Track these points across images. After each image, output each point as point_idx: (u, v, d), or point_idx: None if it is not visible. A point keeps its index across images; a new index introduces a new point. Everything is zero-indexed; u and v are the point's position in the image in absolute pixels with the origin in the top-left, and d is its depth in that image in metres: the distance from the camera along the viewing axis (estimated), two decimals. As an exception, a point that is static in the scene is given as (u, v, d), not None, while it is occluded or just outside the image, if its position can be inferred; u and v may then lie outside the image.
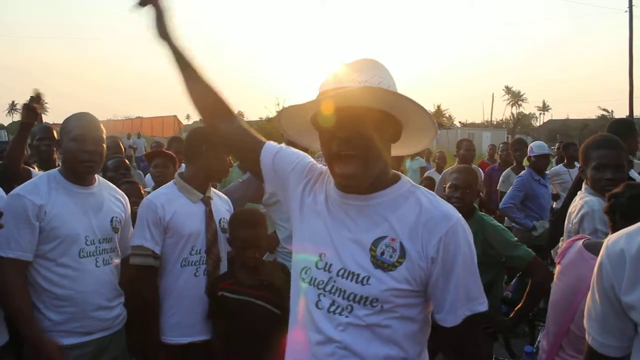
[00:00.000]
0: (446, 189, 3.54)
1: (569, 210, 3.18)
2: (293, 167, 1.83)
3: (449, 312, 1.59)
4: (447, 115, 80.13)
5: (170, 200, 2.88)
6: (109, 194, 2.91)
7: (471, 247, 1.61)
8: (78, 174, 2.72)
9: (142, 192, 3.71)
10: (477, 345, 1.72)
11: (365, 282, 1.57)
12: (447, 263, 1.55)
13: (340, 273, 1.61)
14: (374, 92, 1.51)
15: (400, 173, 1.73)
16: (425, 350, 1.72)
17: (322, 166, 1.82)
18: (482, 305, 1.61)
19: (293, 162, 1.84)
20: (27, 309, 2.56)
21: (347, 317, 1.59)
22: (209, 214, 2.93)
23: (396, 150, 1.74)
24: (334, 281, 1.62)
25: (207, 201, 2.96)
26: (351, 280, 1.59)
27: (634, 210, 2.17)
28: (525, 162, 6.67)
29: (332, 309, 1.62)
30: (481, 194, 7.08)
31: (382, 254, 1.58)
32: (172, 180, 3.04)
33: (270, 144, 1.90)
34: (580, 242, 2.42)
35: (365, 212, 1.64)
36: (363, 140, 1.53)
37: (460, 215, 1.63)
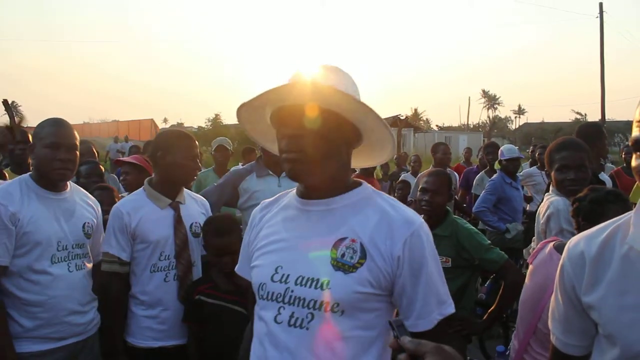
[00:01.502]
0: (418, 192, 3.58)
1: (537, 211, 3.27)
2: (249, 244, 1.81)
3: (419, 317, 1.56)
4: (424, 119, 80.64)
5: (137, 207, 2.89)
6: (80, 200, 2.90)
7: (435, 250, 1.61)
8: (51, 180, 2.71)
9: (116, 198, 3.69)
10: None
11: (326, 286, 1.53)
12: (414, 266, 1.53)
13: (298, 281, 1.57)
14: (322, 89, 1.50)
15: (361, 180, 1.71)
16: None
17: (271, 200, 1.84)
18: (450, 307, 1.60)
19: (247, 245, 1.83)
20: (5, 327, 2.55)
21: (307, 328, 1.54)
22: (177, 219, 2.93)
23: (360, 161, 1.77)
24: (292, 291, 1.57)
25: (175, 206, 2.96)
26: (309, 287, 1.55)
27: (595, 213, 2.23)
28: (496, 166, 6.75)
29: (292, 321, 1.56)
30: (456, 197, 7.21)
31: (343, 255, 1.55)
32: (142, 187, 3.03)
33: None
34: (552, 244, 2.48)
35: (326, 216, 1.62)
36: (310, 138, 1.52)
37: (422, 220, 1.62)
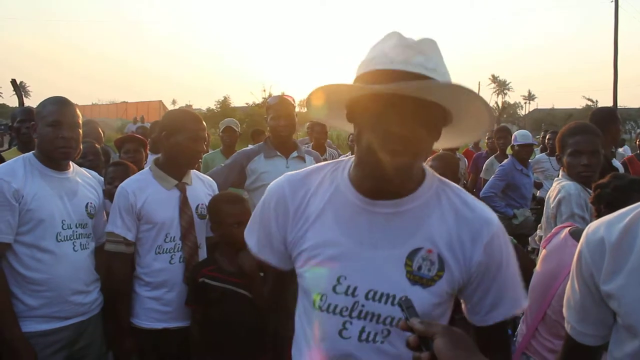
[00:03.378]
0: None
1: (547, 196, 3.22)
2: (277, 227, 1.57)
3: (487, 314, 1.48)
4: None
5: (142, 187, 2.86)
6: (82, 180, 2.89)
7: (509, 247, 1.49)
8: (54, 159, 2.69)
9: (132, 173, 3.63)
10: (504, 339, 1.62)
11: None
12: (492, 268, 1.43)
13: (370, 296, 1.42)
14: (447, 88, 1.30)
15: (423, 165, 1.52)
16: None
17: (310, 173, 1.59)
18: (522, 305, 1.51)
19: (275, 226, 1.57)
20: (10, 309, 2.54)
21: (382, 342, 1.42)
22: (183, 201, 2.90)
23: (448, 141, 1.55)
24: (362, 305, 1.42)
25: (181, 187, 2.92)
26: (385, 303, 1.41)
27: (618, 201, 2.18)
28: (509, 151, 6.67)
29: (364, 336, 1.43)
30: (465, 182, 7.14)
31: (420, 268, 1.41)
32: (148, 166, 3.00)
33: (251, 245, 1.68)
34: (567, 229, 2.44)
35: (395, 221, 1.44)
36: (418, 141, 1.32)
37: (497, 217, 1.48)
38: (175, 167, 2.91)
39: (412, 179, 1.45)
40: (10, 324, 2.52)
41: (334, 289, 1.44)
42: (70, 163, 2.84)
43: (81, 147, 2.84)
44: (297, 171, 1.61)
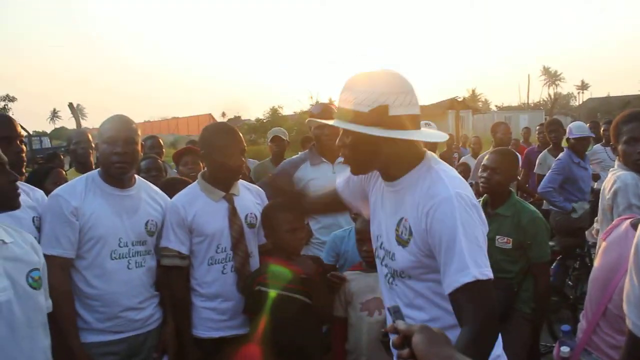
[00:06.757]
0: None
1: (602, 187, 3.11)
2: (361, 181, 2.16)
3: (443, 281, 1.72)
4: (482, 100, 79.02)
5: (191, 200, 2.91)
6: (147, 196, 2.92)
7: (456, 221, 1.69)
8: (112, 175, 2.75)
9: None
10: (472, 313, 1.66)
11: (393, 258, 1.91)
12: (439, 237, 1.72)
13: (384, 249, 1.97)
14: (338, 112, 1.86)
15: (424, 152, 1.92)
16: None
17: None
18: (466, 276, 1.65)
19: (359, 179, 2.15)
20: (74, 317, 2.65)
21: (395, 285, 1.95)
22: (232, 212, 2.93)
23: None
24: (382, 255, 2.01)
25: (229, 198, 2.95)
26: (388, 257, 1.95)
27: None
28: (563, 143, 6.48)
29: (385, 280, 2.02)
30: (518, 177, 7.01)
31: (401, 233, 1.86)
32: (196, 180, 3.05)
33: (339, 182, 2.32)
34: (629, 220, 2.35)
35: (393, 197, 1.93)
36: (348, 149, 1.86)
37: (450, 193, 1.73)
38: (220, 181, 2.95)
39: (399, 168, 1.88)
40: (73, 334, 2.62)
41: (381, 245, 2.02)
42: (136, 178, 2.90)
43: (141, 163, 2.88)
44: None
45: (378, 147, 1.83)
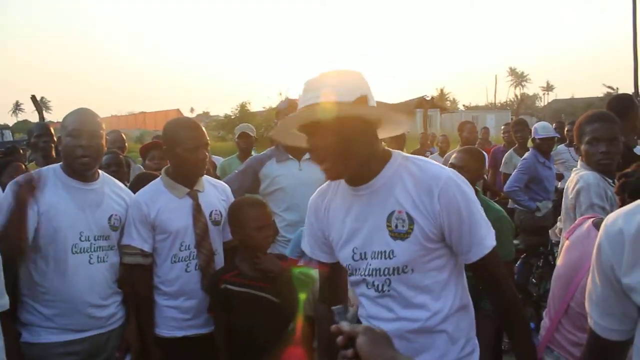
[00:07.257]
0: None
1: (565, 186, 3.16)
2: (315, 224, 2.12)
3: (468, 251, 1.84)
4: (450, 99, 79.78)
5: (154, 197, 2.85)
6: (111, 191, 2.86)
7: (465, 195, 1.82)
8: (75, 170, 2.68)
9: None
10: (502, 270, 1.92)
11: (392, 255, 1.85)
12: (452, 212, 1.79)
13: (373, 255, 1.89)
14: (323, 107, 1.76)
15: (390, 150, 1.95)
16: (467, 307, 2.00)
17: (323, 187, 2.12)
18: (491, 240, 1.86)
19: (313, 228, 2.13)
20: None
21: (388, 290, 1.90)
22: (196, 209, 2.88)
23: (384, 133, 1.94)
24: (369, 264, 1.90)
25: (194, 195, 2.90)
26: (382, 258, 1.87)
27: None
28: (529, 144, 6.57)
29: (379, 288, 1.92)
30: (485, 176, 7.08)
31: (396, 226, 1.83)
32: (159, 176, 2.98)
33: (307, 252, 2.21)
34: (591, 220, 2.38)
35: (373, 197, 1.89)
36: (328, 149, 1.79)
37: (448, 172, 1.86)
38: (183, 176, 2.89)
39: (372, 168, 1.89)
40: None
41: (352, 257, 1.95)
42: (100, 173, 2.83)
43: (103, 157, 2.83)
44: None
45: (361, 139, 1.84)
